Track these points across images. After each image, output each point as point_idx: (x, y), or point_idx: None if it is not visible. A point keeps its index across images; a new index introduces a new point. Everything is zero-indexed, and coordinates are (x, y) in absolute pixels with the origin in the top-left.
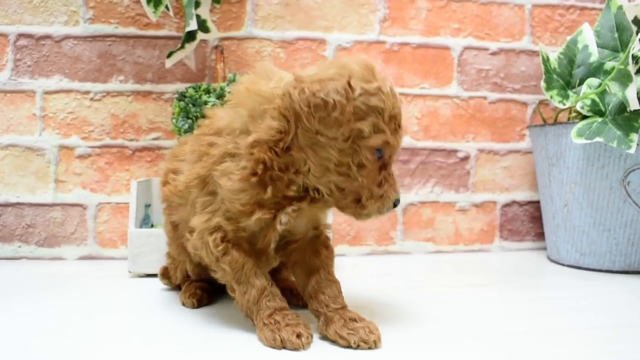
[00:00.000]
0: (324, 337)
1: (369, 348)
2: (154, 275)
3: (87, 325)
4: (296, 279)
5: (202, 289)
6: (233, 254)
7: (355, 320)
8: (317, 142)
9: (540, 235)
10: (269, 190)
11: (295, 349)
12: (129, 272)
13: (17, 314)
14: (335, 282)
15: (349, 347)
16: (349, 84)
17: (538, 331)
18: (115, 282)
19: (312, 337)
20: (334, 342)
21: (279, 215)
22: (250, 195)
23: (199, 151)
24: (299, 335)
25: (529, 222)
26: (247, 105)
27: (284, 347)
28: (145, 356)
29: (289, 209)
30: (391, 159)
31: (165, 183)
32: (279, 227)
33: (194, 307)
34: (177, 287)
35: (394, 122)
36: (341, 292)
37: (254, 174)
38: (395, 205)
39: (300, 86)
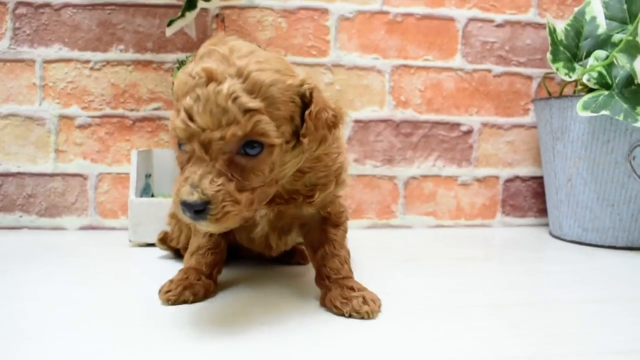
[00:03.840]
0: (323, 307)
1: (362, 318)
2: (155, 245)
3: (89, 293)
4: (309, 257)
5: None
6: None
7: (352, 289)
8: None
9: (542, 212)
10: None
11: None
12: (130, 241)
13: (19, 283)
14: (339, 255)
15: (342, 315)
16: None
17: (538, 302)
18: (116, 251)
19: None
20: (329, 310)
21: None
22: None
23: None
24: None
25: (531, 197)
26: None
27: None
28: (149, 322)
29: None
30: (203, 151)
31: None
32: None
33: None
34: (176, 253)
35: (181, 102)
36: (346, 262)
37: None
38: (190, 207)
39: None
